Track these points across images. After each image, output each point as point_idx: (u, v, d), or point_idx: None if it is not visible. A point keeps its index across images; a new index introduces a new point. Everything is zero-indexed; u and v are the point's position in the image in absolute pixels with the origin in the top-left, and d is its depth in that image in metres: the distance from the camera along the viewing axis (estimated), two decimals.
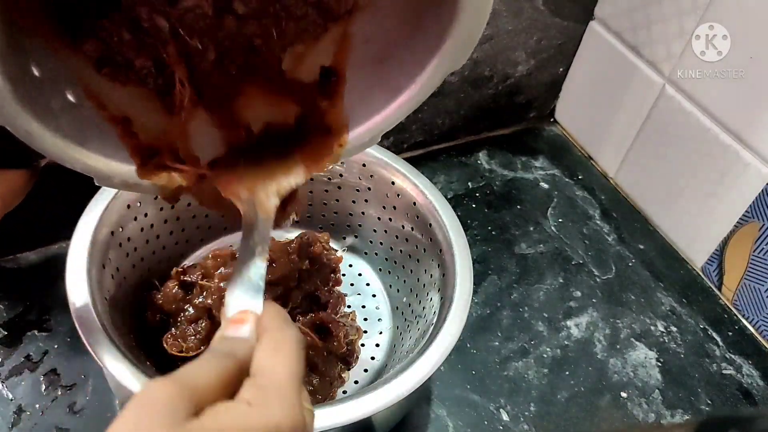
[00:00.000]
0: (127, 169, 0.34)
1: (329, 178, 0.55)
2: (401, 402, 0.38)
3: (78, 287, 0.40)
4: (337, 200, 0.56)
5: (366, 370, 0.51)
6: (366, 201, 0.55)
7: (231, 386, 0.25)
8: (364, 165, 0.53)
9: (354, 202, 0.56)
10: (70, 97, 0.31)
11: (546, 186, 0.73)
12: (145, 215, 0.48)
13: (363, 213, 0.56)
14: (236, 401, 0.25)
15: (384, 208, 0.54)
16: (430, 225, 0.49)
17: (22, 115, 0.28)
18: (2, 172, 0.44)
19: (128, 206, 0.46)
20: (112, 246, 0.45)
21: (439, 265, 0.48)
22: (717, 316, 0.62)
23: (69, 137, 0.31)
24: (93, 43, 0.31)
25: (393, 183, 0.52)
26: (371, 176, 0.53)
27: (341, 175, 0.54)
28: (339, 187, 0.55)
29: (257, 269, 0.31)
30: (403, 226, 0.53)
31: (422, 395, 0.52)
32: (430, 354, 0.40)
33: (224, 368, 0.26)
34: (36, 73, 0.29)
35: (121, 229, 0.46)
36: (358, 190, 0.55)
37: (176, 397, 0.23)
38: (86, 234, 0.42)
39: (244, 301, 0.30)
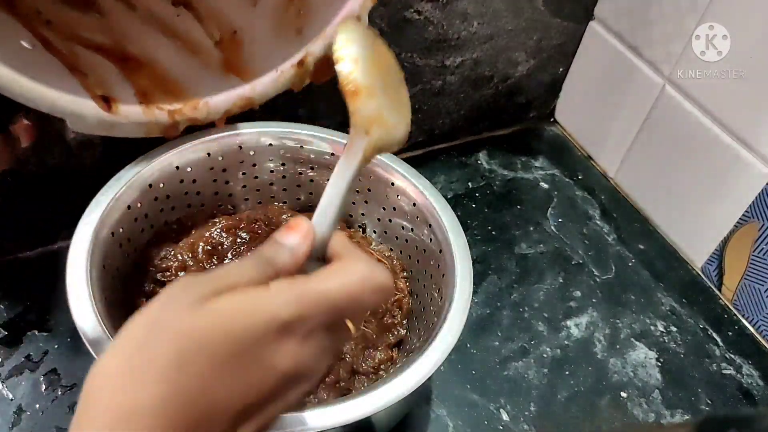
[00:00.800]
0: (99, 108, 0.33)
1: (329, 180, 0.55)
2: (401, 402, 0.38)
3: (78, 287, 0.40)
4: None
5: None
6: (366, 202, 0.55)
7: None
8: None
9: (354, 203, 0.56)
10: (25, 44, 0.31)
11: (546, 186, 0.73)
12: (146, 216, 0.49)
13: (363, 214, 0.56)
14: (258, 287, 0.26)
15: (384, 209, 0.54)
16: (430, 225, 0.49)
17: None
18: None
19: (128, 207, 0.46)
20: (113, 246, 0.45)
21: (438, 266, 0.48)
22: (717, 316, 0.62)
23: (31, 76, 0.30)
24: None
25: (393, 184, 0.52)
26: (371, 177, 0.53)
27: None
28: None
29: (336, 188, 0.33)
30: (402, 227, 0.53)
31: (422, 395, 0.52)
32: (430, 354, 0.40)
33: (258, 271, 0.27)
34: None
35: (121, 230, 0.46)
36: (358, 191, 0.55)
37: (200, 283, 0.25)
38: (86, 234, 0.42)
39: (320, 222, 0.31)
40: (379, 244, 0.55)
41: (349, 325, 0.29)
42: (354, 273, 0.28)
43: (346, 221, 0.56)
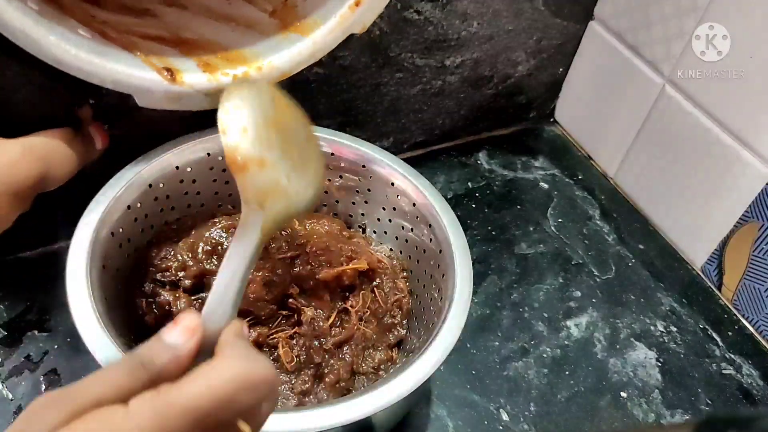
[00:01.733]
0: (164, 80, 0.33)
1: (329, 179, 0.55)
2: (401, 402, 0.38)
3: (78, 287, 0.40)
4: (337, 201, 0.56)
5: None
6: (366, 202, 0.55)
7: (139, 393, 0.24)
8: (363, 166, 0.53)
9: (354, 203, 0.56)
10: (83, 33, 0.31)
11: (546, 186, 0.73)
12: (146, 216, 0.49)
13: (363, 214, 0.56)
14: (117, 407, 0.23)
15: (384, 209, 0.54)
16: (430, 225, 0.49)
17: (45, 36, 0.28)
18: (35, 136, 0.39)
19: (128, 207, 0.46)
20: (113, 246, 0.45)
21: (439, 266, 0.48)
22: (717, 316, 0.62)
23: (93, 54, 0.30)
24: None
25: (393, 184, 0.52)
26: (371, 177, 0.53)
27: (341, 177, 0.54)
28: (339, 189, 0.55)
29: (234, 274, 0.30)
30: (402, 227, 0.53)
31: (422, 395, 0.52)
32: (430, 354, 0.40)
33: (131, 378, 0.25)
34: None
35: (121, 230, 0.46)
36: (358, 191, 0.55)
37: (58, 403, 0.23)
38: (86, 234, 0.42)
39: (214, 311, 0.29)
40: (379, 244, 0.55)
41: (242, 427, 0.26)
42: (222, 374, 0.25)
43: (346, 221, 0.56)
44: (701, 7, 0.58)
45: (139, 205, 0.47)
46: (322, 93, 0.62)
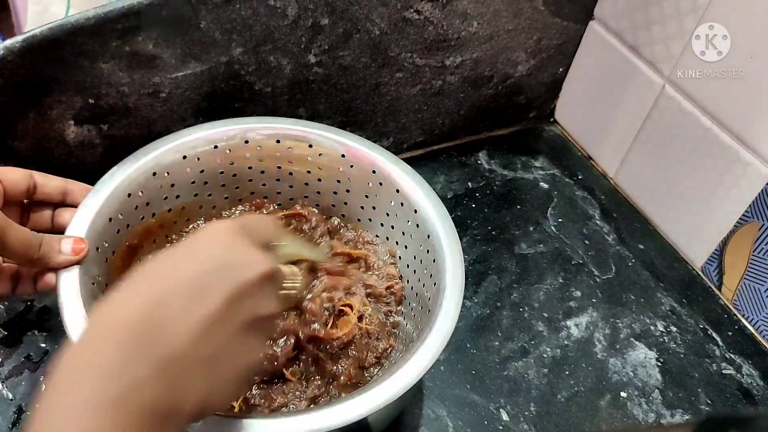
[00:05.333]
0: None
1: (308, 171, 0.54)
2: (394, 402, 0.38)
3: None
4: (318, 192, 0.56)
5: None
6: (348, 191, 0.54)
7: None
8: (343, 155, 0.52)
9: (335, 193, 0.55)
10: None
11: (546, 186, 0.73)
12: (147, 204, 0.48)
13: (346, 203, 0.55)
14: None
15: (367, 197, 0.54)
16: (416, 211, 0.49)
17: None
18: None
19: (129, 195, 0.46)
20: (109, 233, 0.45)
21: (428, 251, 0.48)
22: (717, 316, 0.62)
23: None
24: None
25: (374, 171, 0.52)
26: (352, 166, 0.53)
27: (320, 167, 0.54)
28: (319, 179, 0.55)
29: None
30: (387, 213, 0.53)
31: (421, 395, 0.52)
32: (428, 343, 0.40)
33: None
34: None
35: (120, 216, 0.46)
36: (339, 181, 0.54)
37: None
38: (85, 218, 0.42)
39: None
40: (365, 232, 0.55)
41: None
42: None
43: (330, 211, 0.56)
44: (701, 7, 0.58)
45: (140, 193, 0.47)
46: (322, 93, 0.62)
